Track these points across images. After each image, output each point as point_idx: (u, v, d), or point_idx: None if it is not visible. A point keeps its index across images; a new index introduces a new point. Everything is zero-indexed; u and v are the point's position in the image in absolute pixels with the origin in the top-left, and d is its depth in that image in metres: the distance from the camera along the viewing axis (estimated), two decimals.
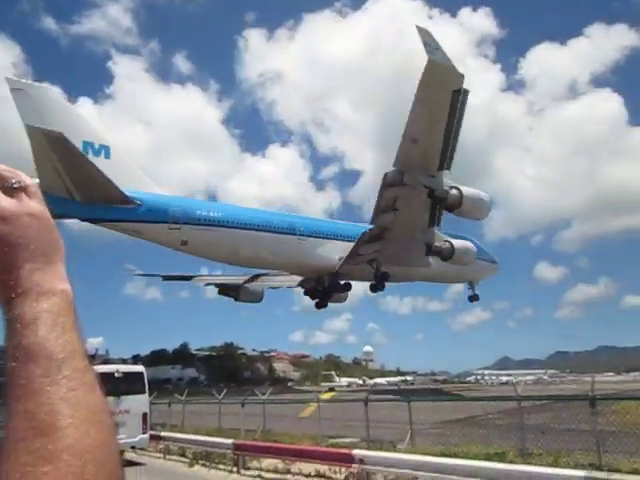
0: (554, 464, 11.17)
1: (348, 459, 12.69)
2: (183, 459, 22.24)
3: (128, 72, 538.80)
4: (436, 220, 34.36)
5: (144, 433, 20.59)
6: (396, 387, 35.26)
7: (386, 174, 31.57)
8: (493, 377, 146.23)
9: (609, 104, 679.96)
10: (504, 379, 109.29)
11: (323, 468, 15.07)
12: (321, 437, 19.31)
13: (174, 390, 53.66)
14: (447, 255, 36.95)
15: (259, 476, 17.23)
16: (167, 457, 23.40)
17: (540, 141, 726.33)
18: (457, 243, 37.67)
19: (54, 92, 31.61)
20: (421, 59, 25.63)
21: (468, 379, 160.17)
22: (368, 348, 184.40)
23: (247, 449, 18.28)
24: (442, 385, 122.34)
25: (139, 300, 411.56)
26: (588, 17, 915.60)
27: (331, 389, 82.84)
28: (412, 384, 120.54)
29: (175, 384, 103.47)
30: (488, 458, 11.88)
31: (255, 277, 47.17)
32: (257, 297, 48.62)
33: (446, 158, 30.11)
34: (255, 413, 23.92)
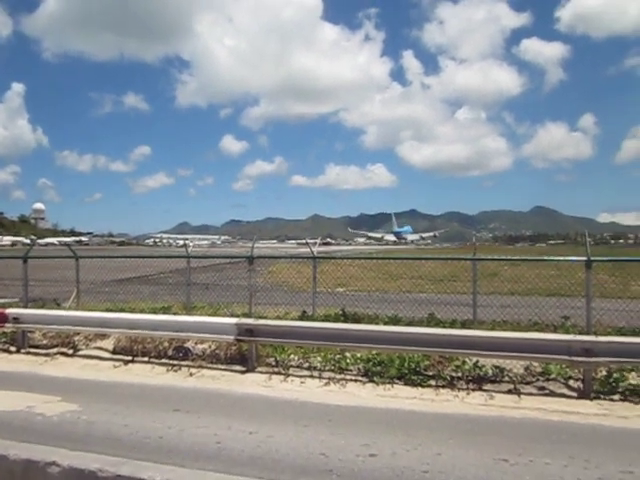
0: (214, 314, 12.38)
1: (1, 319, 11.57)
2: None
3: None
4: None
5: None
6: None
7: None
8: (171, 240, 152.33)
9: None
10: (181, 242, 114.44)
11: None
12: None
13: None
14: None
15: None
16: None
17: (243, 13, 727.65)
18: None
19: None
20: None
21: (147, 241, 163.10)
22: (39, 205, 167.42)
23: None
24: (120, 247, 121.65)
25: None
26: None
27: None
28: (87, 244, 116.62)
29: None
30: (153, 311, 12.43)
31: None
32: None
33: None
34: None
